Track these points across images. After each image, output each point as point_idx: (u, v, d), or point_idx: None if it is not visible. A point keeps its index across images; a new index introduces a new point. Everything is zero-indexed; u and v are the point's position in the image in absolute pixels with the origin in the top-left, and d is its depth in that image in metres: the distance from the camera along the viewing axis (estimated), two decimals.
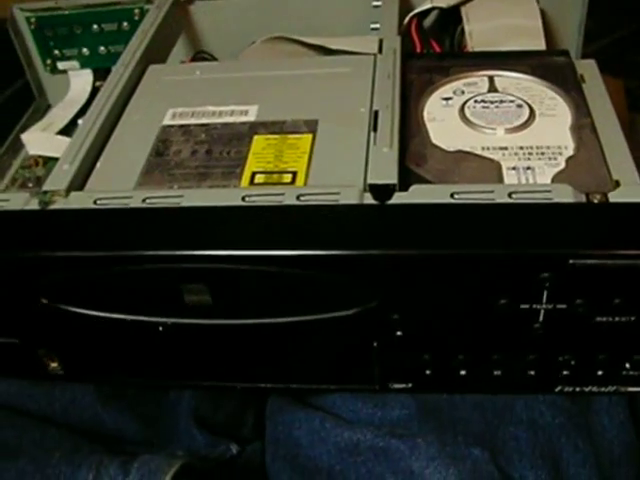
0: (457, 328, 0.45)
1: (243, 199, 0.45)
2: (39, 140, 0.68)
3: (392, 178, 0.46)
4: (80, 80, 0.73)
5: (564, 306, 0.43)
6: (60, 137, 0.67)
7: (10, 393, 0.52)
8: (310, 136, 0.51)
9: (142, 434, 0.52)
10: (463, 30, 0.64)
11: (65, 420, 0.52)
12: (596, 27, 0.65)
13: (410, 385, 0.48)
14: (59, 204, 0.48)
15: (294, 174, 0.48)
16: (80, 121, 0.67)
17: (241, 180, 0.48)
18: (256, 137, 0.52)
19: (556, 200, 0.43)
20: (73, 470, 0.44)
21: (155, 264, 0.43)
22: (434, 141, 0.52)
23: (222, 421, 0.53)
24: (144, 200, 0.46)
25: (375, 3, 0.67)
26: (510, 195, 0.44)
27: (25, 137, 0.68)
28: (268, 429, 0.52)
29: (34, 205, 0.48)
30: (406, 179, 0.47)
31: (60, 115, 0.70)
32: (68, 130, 0.68)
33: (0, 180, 0.67)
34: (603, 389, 0.47)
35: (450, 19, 0.66)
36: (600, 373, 0.46)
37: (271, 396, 0.53)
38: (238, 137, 0.52)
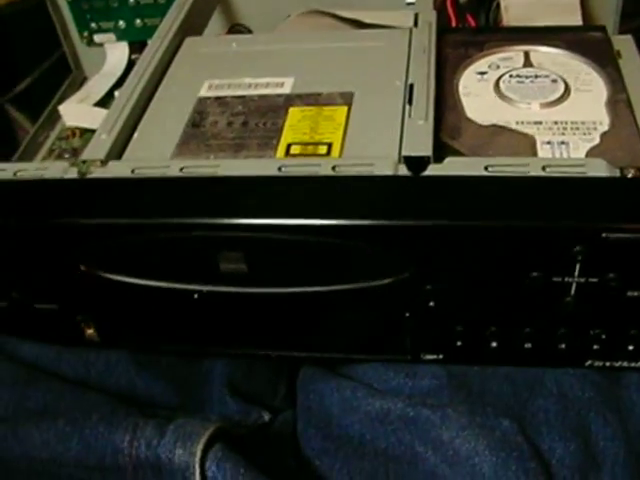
0: (489, 300, 0.45)
1: (279, 169, 0.46)
2: (76, 111, 0.69)
3: (427, 150, 0.46)
4: (116, 53, 0.74)
5: (596, 280, 0.43)
6: (97, 109, 0.68)
7: (49, 357, 0.53)
8: (345, 108, 0.52)
9: (175, 400, 0.52)
10: (499, 4, 0.64)
11: (100, 385, 0.52)
12: (634, 4, 0.64)
13: (441, 356, 0.49)
14: (97, 173, 0.48)
15: (329, 145, 0.49)
16: (117, 93, 0.67)
17: (277, 151, 0.49)
18: (292, 109, 0.52)
19: (590, 174, 0.43)
20: (110, 431, 0.44)
21: (192, 232, 0.44)
22: (469, 115, 0.52)
23: (255, 389, 0.54)
24: (181, 169, 0.47)
25: None
26: (544, 168, 0.44)
27: (62, 108, 0.69)
28: (300, 398, 0.52)
29: (73, 174, 0.48)
30: (440, 152, 0.47)
31: (97, 87, 0.71)
32: (104, 102, 0.69)
33: (37, 151, 0.69)
34: (633, 364, 0.48)
35: None
36: (631, 348, 0.46)
37: (303, 366, 0.54)
38: (274, 109, 0.53)
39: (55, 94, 0.74)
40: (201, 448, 0.42)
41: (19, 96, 0.78)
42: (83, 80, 0.77)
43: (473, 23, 0.65)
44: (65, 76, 0.78)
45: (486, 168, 0.44)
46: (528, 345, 0.47)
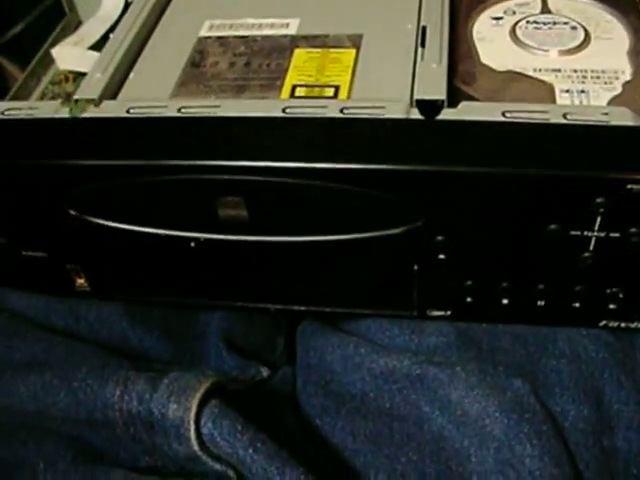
0: (502, 254, 0.43)
1: (284, 110, 0.43)
2: (70, 55, 0.66)
3: (441, 94, 0.44)
4: None
5: (617, 235, 0.41)
6: (91, 52, 0.65)
7: (38, 308, 0.51)
8: (354, 51, 0.49)
9: (169, 354, 0.51)
10: None
11: (91, 338, 0.50)
12: None
13: (449, 312, 0.47)
14: (91, 113, 0.46)
15: (336, 88, 0.46)
16: (112, 36, 0.64)
17: (281, 93, 0.47)
18: (297, 50, 0.50)
19: (614, 123, 0.41)
20: (100, 384, 0.42)
21: (189, 174, 0.42)
22: (484, 61, 0.50)
23: (252, 344, 0.52)
24: (179, 109, 0.45)
25: None
26: (565, 116, 0.42)
27: (55, 51, 0.66)
28: (299, 354, 0.51)
29: (64, 114, 0.46)
30: (454, 97, 0.45)
31: (92, 31, 0.68)
32: (100, 46, 0.66)
33: (29, 96, 0.66)
34: None
35: None
36: None
37: (303, 321, 0.52)
38: (278, 50, 0.50)
39: (48, 38, 0.71)
40: (196, 403, 0.40)
41: (10, 43, 0.75)
42: (78, 24, 0.74)
43: None
44: (59, 21, 0.75)
45: (503, 114, 0.42)
46: (541, 303, 0.45)
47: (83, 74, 0.62)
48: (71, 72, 0.65)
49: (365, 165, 0.40)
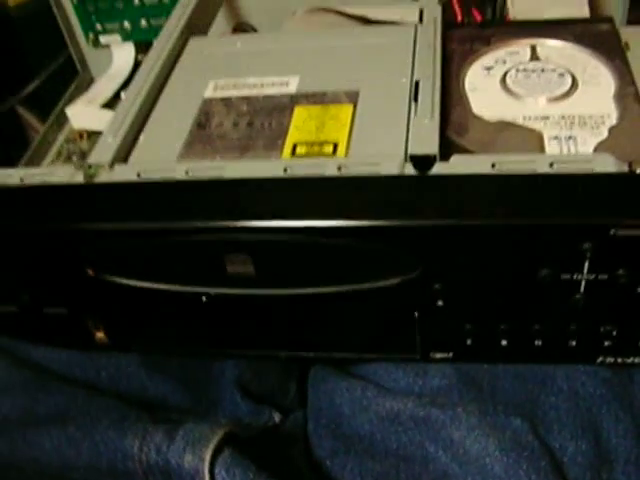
0: (498, 298, 0.45)
1: (284, 170, 0.45)
2: (83, 114, 0.69)
3: (433, 148, 0.46)
4: (122, 53, 0.74)
5: (605, 276, 0.42)
6: (104, 111, 0.68)
7: (60, 361, 0.53)
8: (351, 107, 0.51)
9: (186, 402, 0.53)
10: None
11: (111, 389, 0.52)
12: None
13: (451, 355, 0.48)
14: (103, 177, 0.48)
15: (335, 145, 0.48)
16: (123, 94, 0.67)
17: (282, 151, 0.49)
18: (297, 108, 0.52)
19: (597, 170, 0.43)
20: (121, 437, 0.45)
21: (197, 235, 0.44)
22: (475, 111, 0.51)
23: (265, 390, 0.54)
24: (187, 172, 0.47)
25: None
26: (551, 165, 0.43)
27: (69, 111, 0.69)
28: (311, 398, 0.52)
29: (79, 178, 0.48)
30: (447, 149, 0.47)
31: (103, 89, 0.71)
32: (111, 103, 0.69)
33: (46, 153, 0.69)
34: None
35: None
36: None
37: (314, 366, 0.54)
38: (279, 108, 0.52)
39: (62, 96, 0.74)
40: (210, 453, 0.42)
41: (29, 97, 0.78)
42: (90, 81, 0.77)
43: (479, 17, 0.64)
44: (73, 77, 0.78)
45: (493, 166, 0.44)
46: (538, 342, 0.47)
47: (97, 132, 0.65)
48: (85, 130, 0.68)
49: (361, 222, 0.42)
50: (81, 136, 0.68)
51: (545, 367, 0.49)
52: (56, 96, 0.75)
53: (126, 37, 0.74)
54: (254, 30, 0.73)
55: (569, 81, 0.52)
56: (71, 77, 0.78)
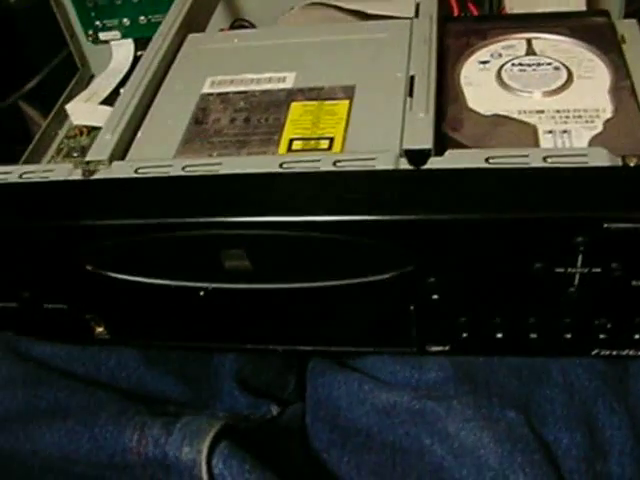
0: (493, 292, 0.45)
1: (281, 166, 0.46)
2: (83, 110, 0.69)
3: (427, 143, 0.46)
4: (122, 50, 0.74)
5: (599, 270, 0.42)
6: (103, 107, 0.68)
7: (60, 356, 0.53)
8: (347, 102, 0.52)
9: (185, 396, 0.53)
10: None
11: (111, 383, 0.53)
12: None
13: (447, 347, 0.49)
14: (102, 174, 0.49)
15: (331, 140, 0.49)
16: (122, 91, 0.67)
17: (279, 147, 0.49)
18: (293, 104, 0.52)
19: (592, 164, 0.43)
20: (119, 430, 0.45)
21: (195, 230, 0.44)
22: (470, 105, 0.52)
23: (264, 383, 0.54)
24: (184, 168, 0.47)
25: None
26: (545, 159, 0.44)
27: (69, 107, 0.70)
28: (308, 391, 0.53)
29: (78, 175, 0.49)
30: (443, 144, 0.47)
31: (103, 85, 0.71)
32: (111, 99, 0.69)
33: (46, 150, 0.69)
34: None
35: None
36: (637, 337, 0.46)
37: (312, 359, 0.54)
38: (276, 104, 0.53)
39: (63, 92, 0.75)
40: (207, 445, 0.43)
41: (31, 92, 0.78)
42: (90, 78, 0.78)
43: (475, 12, 0.64)
44: (72, 74, 0.78)
45: (487, 160, 0.44)
46: (533, 335, 0.47)
47: (97, 128, 0.66)
48: (85, 126, 0.69)
49: (356, 217, 0.42)
50: (81, 132, 0.69)
51: (540, 360, 0.49)
52: (58, 91, 0.76)
53: (126, 33, 0.74)
54: (252, 26, 0.73)
55: (564, 75, 0.52)
56: (72, 72, 0.78)
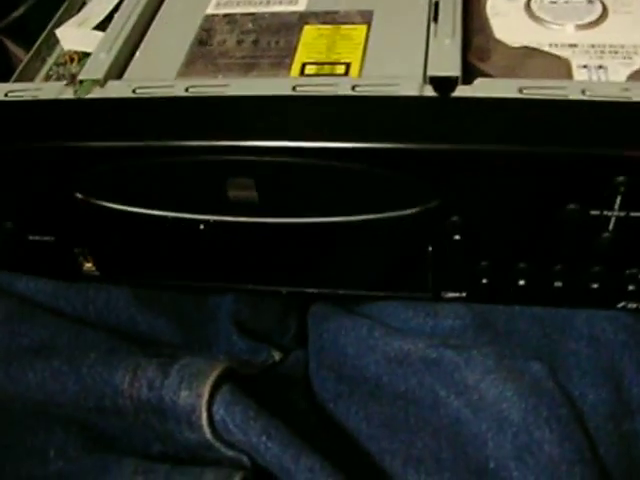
0: (519, 234, 0.42)
1: (294, 89, 0.42)
2: (74, 35, 0.65)
3: (455, 70, 0.43)
4: None
5: (638, 214, 0.40)
6: (96, 32, 0.64)
7: (45, 293, 0.50)
8: (365, 27, 0.48)
9: (179, 339, 0.50)
10: None
11: (99, 323, 0.49)
12: None
13: (464, 294, 0.46)
14: (96, 94, 0.45)
15: (347, 65, 0.45)
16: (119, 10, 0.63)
17: (290, 71, 0.45)
18: (306, 27, 0.49)
19: (635, 99, 0.40)
20: (110, 371, 0.42)
21: (198, 155, 0.41)
22: (497, 36, 0.48)
23: (263, 327, 0.51)
24: (187, 89, 0.44)
25: None
26: (583, 92, 0.41)
27: (60, 32, 0.65)
28: (312, 337, 0.50)
29: (69, 95, 0.45)
30: (468, 74, 0.44)
31: (96, 10, 0.67)
32: (104, 26, 0.65)
33: (33, 77, 0.65)
34: None
35: None
36: None
37: (314, 303, 0.51)
38: (287, 27, 0.49)
39: (52, 18, 0.70)
40: (208, 389, 0.40)
41: (14, 24, 0.74)
42: (82, 4, 0.73)
43: None
44: (62, 2, 0.74)
45: (520, 90, 0.41)
46: (558, 284, 0.44)
47: (88, 54, 0.61)
48: (76, 52, 0.64)
49: (379, 144, 0.39)
50: (72, 59, 0.64)
51: (563, 311, 0.46)
52: (45, 22, 0.71)
53: None
54: None
55: (599, 9, 0.49)
56: (59, 6, 0.74)
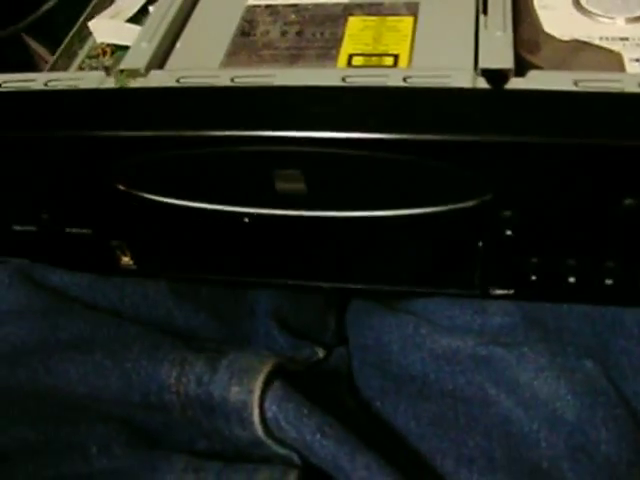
0: (572, 229, 0.41)
1: (343, 79, 0.41)
2: (108, 27, 0.64)
3: (508, 62, 0.41)
4: None
5: None
6: (130, 25, 0.63)
7: (81, 286, 0.49)
8: (411, 19, 0.47)
9: (217, 334, 0.49)
10: None
11: (136, 317, 0.48)
12: None
13: (512, 291, 0.45)
14: (138, 83, 0.44)
15: (396, 57, 0.44)
16: (151, 8, 0.62)
17: (337, 62, 0.45)
18: (351, 18, 0.48)
19: None
20: (155, 366, 0.41)
21: (245, 146, 0.40)
22: (546, 29, 0.47)
23: (303, 324, 0.50)
24: (232, 79, 0.43)
25: None
26: None
27: (93, 24, 0.65)
28: (354, 334, 0.49)
29: (110, 84, 0.45)
30: (519, 67, 0.42)
31: (128, 3, 0.66)
32: (137, 19, 0.64)
33: (66, 69, 0.64)
34: None
35: None
36: None
37: (354, 300, 0.50)
38: (332, 18, 0.48)
39: (84, 10, 0.69)
40: (260, 386, 0.39)
41: (38, 24, 0.73)
42: None
43: None
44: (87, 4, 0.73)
45: (575, 83, 0.40)
46: (609, 281, 0.43)
47: (121, 47, 0.61)
48: (108, 45, 0.64)
49: (432, 136, 0.38)
50: (104, 52, 0.63)
51: (612, 309, 0.45)
52: (78, 11, 0.70)
53: None
54: None
55: None
56: (84, 4, 0.73)
